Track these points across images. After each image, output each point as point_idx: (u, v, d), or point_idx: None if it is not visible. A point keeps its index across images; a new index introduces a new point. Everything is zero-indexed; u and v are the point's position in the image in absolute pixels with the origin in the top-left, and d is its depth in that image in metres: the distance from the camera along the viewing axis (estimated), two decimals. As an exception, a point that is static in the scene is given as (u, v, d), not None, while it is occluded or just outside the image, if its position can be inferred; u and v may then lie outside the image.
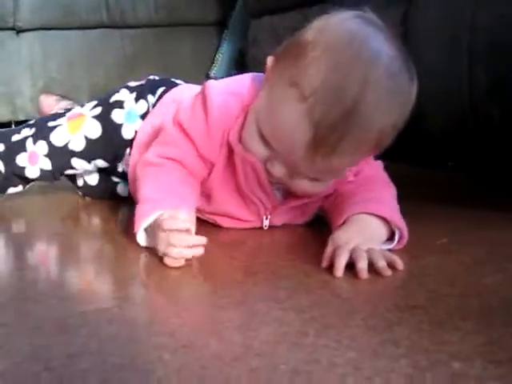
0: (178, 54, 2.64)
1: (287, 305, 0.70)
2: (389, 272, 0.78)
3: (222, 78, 1.06)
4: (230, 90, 0.97)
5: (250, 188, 0.97)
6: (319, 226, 0.99)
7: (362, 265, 0.78)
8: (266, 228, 1.02)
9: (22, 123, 2.51)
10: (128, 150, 1.15)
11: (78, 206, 1.26)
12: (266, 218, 1.01)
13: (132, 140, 1.14)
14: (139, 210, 0.89)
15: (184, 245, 0.81)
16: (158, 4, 2.62)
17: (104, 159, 1.18)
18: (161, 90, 1.18)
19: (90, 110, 1.20)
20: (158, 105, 1.15)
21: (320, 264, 0.82)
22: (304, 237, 0.97)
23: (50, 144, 1.17)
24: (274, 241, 0.94)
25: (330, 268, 0.79)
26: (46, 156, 1.17)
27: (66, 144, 1.17)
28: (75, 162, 1.17)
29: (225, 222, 1.04)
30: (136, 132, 1.14)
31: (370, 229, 0.88)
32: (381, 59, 0.81)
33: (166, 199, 0.89)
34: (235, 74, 1.05)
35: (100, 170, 1.24)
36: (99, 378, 0.54)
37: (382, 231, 0.89)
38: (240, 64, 2.46)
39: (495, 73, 1.20)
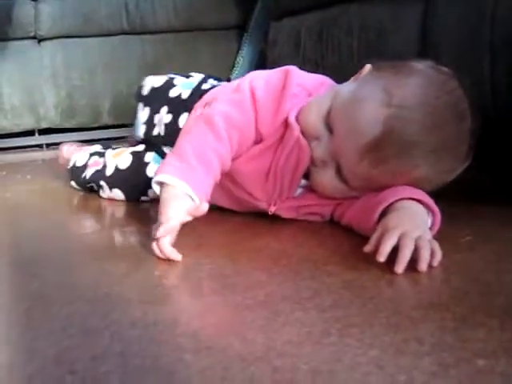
0: (199, 58, 2.64)
1: (310, 305, 0.69)
2: (425, 268, 0.76)
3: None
4: (306, 87, 1.02)
5: (282, 171, 0.99)
6: (343, 229, 0.99)
7: (406, 253, 0.77)
8: (270, 213, 1.03)
9: (45, 132, 2.55)
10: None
11: (100, 208, 1.26)
12: (274, 205, 1.03)
13: None
14: (168, 160, 0.93)
15: (160, 248, 0.86)
16: (178, 9, 2.63)
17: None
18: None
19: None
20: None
21: (343, 264, 0.81)
22: (326, 239, 0.96)
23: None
24: (297, 244, 0.94)
25: (354, 269, 0.79)
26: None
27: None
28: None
29: (237, 192, 1.05)
30: None
31: (418, 215, 0.87)
32: (465, 121, 0.88)
33: (193, 175, 0.90)
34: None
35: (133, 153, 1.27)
36: (122, 380, 0.54)
37: (427, 218, 0.88)
38: (260, 66, 2.46)
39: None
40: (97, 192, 1.31)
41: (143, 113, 1.26)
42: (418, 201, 0.88)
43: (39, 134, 2.61)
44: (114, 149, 1.34)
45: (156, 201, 0.92)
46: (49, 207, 1.31)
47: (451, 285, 0.74)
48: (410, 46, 1.45)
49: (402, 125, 0.85)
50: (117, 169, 1.25)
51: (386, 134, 0.85)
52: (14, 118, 2.54)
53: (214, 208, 1.00)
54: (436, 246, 0.80)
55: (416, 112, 0.86)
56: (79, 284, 0.82)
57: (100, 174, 1.28)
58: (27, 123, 2.57)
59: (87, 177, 1.31)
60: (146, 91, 1.29)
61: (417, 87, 0.88)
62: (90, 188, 1.33)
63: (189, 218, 0.88)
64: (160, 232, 0.85)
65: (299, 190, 1.02)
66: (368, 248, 0.81)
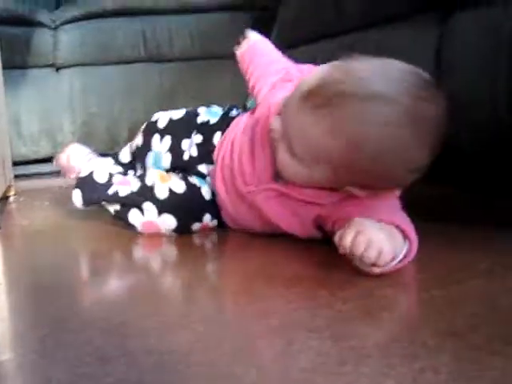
0: (216, 85, 2.66)
1: (325, 333, 0.69)
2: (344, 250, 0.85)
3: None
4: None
5: (261, 142, 1.08)
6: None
7: (342, 240, 0.85)
8: (248, 193, 1.09)
9: (63, 158, 2.56)
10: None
11: (120, 235, 1.26)
12: (255, 186, 1.08)
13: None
14: None
15: None
16: (194, 37, 2.66)
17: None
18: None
19: None
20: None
21: (359, 290, 0.81)
22: (343, 268, 0.96)
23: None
24: (313, 271, 0.94)
25: (370, 296, 0.79)
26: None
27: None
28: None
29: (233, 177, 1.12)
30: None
31: (388, 228, 0.89)
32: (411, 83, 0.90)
33: None
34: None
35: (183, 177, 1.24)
36: (138, 409, 0.54)
37: (400, 241, 0.89)
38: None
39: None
40: (104, 211, 1.28)
41: (163, 143, 1.26)
42: (396, 226, 0.90)
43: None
44: (135, 170, 1.35)
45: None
46: (66, 235, 1.31)
47: (468, 312, 0.74)
48: (427, 68, 1.45)
49: (339, 75, 0.90)
50: (172, 192, 1.18)
51: (321, 82, 0.91)
52: (32, 144, 2.56)
53: (223, 231, 1.00)
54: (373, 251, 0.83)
55: (358, 70, 0.90)
56: (95, 312, 0.82)
57: (145, 195, 1.19)
58: (45, 150, 2.59)
59: (119, 195, 1.22)
60: (162, 124, 1.30)
61: (368, 64, 0.92)
62: (97, 206, 1.29)
63: None
64: None
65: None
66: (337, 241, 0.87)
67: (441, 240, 1.02)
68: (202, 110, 1.29)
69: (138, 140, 1.35)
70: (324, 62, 0.94)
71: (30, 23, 2.55)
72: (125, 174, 1.32)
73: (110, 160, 1.36)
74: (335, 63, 0.94)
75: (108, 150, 2.62)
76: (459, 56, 1.35)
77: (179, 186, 1.18)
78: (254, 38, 1.39)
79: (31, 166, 2.55)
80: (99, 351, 0.68)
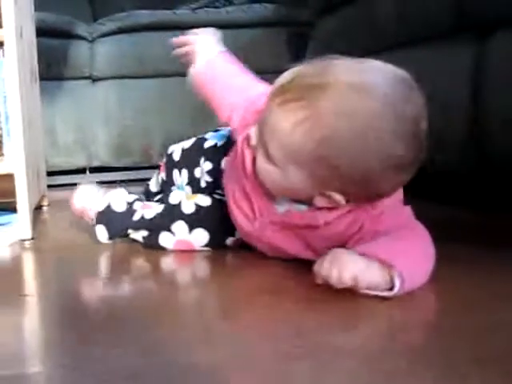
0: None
1: (358, 355, 0.68)
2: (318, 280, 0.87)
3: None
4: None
5: (246, 176, 1.04)
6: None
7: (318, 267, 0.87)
8: (255, 227, 1.06)
9: (96, 170, 2.59)
10: None
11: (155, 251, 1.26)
12: (259, 222, 1.05)
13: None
14: None
15: None
16: (230, 52, 2.66)
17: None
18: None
19: None
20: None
21: (392, 312, 0.80)
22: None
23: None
24: (345, 294, 0.92)
25: (404, 316, 0.78)
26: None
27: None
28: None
29: (237, 217, 1.10)
30: None
31: (369, 262, 0.86)
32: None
33: None
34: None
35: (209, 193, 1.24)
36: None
37: (382, 271, 0.86)
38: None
39: None
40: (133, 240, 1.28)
41: (182, 177, 1.28)
42: (380, 260, 0.87)
43: (90, 172, 2.65)
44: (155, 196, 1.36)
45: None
46: (97, 248, 1.31)
47: (499, 338, 0.72)
48: (461, 89, 1.44)
49: (312, 70, 0.90)
50: (198, 205, 1.18)
51: (293, 77, 0.90)
52: (67, 155, 2.59)
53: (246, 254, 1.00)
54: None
55: (333, 64, 0.89)
56: (125, 326, 0.82)
57: (173, 213, 1.19)
58: (79, 161, 2.61)
59: (146, 218, 1.22)
60: (177, 156, 1.32)
61: (344, 61, 0.91)
62: (123, 236, 1.29)
63: None
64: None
65: (280, 207, 1.03)
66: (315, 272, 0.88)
67: (467, 265, 1.01)
68: (209, 134, 1.30)
69: (162, 174, 1.37)
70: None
71: (68, 35, 2.58)
72: (142, 200, 1.32)
73: (123, 190, 1.34)
74: (311, 61, 0.92)
75: (141, 163, 2.64)
76: (498, 76, 1.33)
77: (205, 200, 1.19)
78: (209, 52, 1.28)
79: (65, 176, 2.57)
80: (129, 366, 0.68)
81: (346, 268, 0.84)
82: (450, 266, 0.90)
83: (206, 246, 1.19)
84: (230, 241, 1.20)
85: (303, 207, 0.99)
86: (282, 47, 2.66)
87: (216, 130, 1.33)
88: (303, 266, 0.99)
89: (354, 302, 0.85)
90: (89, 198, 1.33)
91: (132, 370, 0.67)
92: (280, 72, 0.94)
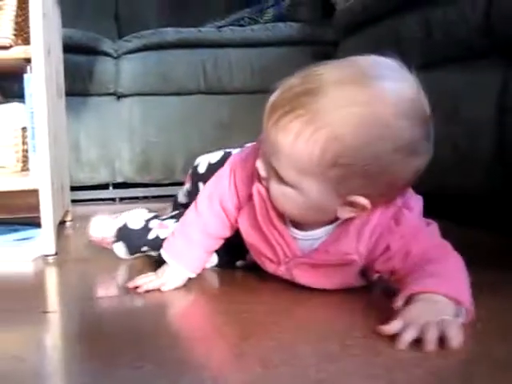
0: (273, 119, 2.65)
1: (382, 382, 0.67)
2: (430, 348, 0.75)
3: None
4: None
5: (265, 223, 1.02)
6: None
7: (430, 335, 0.76)
8: (281, 272, 1.06)
9: (119, 185, 2.60)
10: None
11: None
12: (285, 264, 1.04)
13: None
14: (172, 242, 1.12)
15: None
16: (254, 70, 2.67)
17: None
18: None
19: None
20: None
21: (418, 341, 0.78)
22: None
23: None
24: (370, 315, 0.91)
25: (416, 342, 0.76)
26: None
27: None
28: None
29: (260, 261, 1.10)
30: None
31: (439, 306, 0.82)
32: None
33: (182, 256, 1.10)
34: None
35: None
36: None
37: (451, 306, 0.83)
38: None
39: None
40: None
41: None
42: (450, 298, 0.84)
43: (113, 188, 2.66)
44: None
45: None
46: (120, 263, 1.32)
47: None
48: (487, 111, 1.44)
49: (294, 80, 0.89)
50: None
51: (279, 93, 0.89)
52: (90, 171, 2.59)
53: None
54: (452, 331, 0.77)
55: (315, 69, 0.89)
56: (149, 346, 0.82)
57: None
58: (102, 177, 2.62)
59: (160, 238, 1.23)
60: (203, 169, 1.32)
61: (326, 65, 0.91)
62: (141, 252, 1.31)
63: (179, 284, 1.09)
64: (148, 286, 1.07)
65: (307, 244, 1.01)
66: (387, 332, 0.80)
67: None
68: (235, 151, 1.28)
69: (188, 185, 1.38)
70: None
71: (94, 52, 2.59)
72: (158, 217, 1.33)
73: (142, 210, 1.36)
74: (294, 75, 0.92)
75: (164, 180, 2.65)
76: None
77: None
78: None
79: (88, 191, 2.58)
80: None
81: (432, 331, 0.78)
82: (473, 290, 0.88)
83: (216, 266, 1.22)
84: (240, 263, 1.22)
85: (321, 232, 0.99)
86: (307, 66, 2.66)
87: (243, 147, 1.32)
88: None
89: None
90: (104, 227, 1.35)
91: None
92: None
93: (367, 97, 0.83)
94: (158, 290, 1.07)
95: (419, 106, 0.86)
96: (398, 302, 0.85)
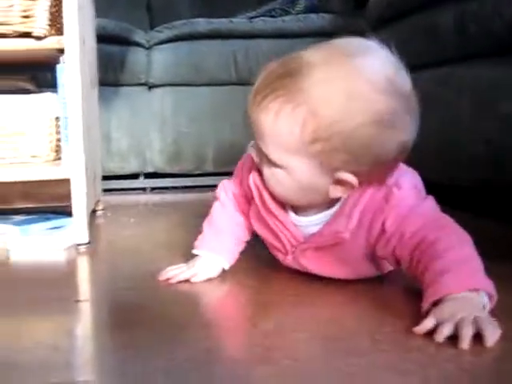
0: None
1: (414, 378, 0.67)
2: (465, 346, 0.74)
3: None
4: None
5: (266, 213, 1.04)
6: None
7: (466, 331, 0.75)
8: (289, 261, 1.08)
9: (150, 175, 2.61)
10: None
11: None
12: (291, 253, 1.06)
13: None
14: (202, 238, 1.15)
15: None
16: (286, 61, 2.66)
17: None
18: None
19: None
20: None
21: (451, 337, 0.77)
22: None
23: None
24: (398, 311, 0.91)
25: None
26: None
27: None
28: None
29: (274, 253, 1.13)
30: None
31: (472, 303, 0.82)
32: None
33: (213, 246, 1.13)
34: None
35: None
36: None
37: (482, 300, 0.83)
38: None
39: None
40: None
41: None
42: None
43: (144, 178, 2.67)
44: None
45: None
46: (150, 253, 1.32)
47: None
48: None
49: (274, 65, 0.93)
50: None
51: (260, 79, 0.94)
52: (121, 160, 2.60)
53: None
54: (488, 329, 0.76)
55: (292, 54, 0.93)
56: (180, 338, 0.82)
57: None
58: (133, 167, 2.63)
59: None
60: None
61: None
62: None
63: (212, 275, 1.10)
64: (179, 277, 1.08)
65: (310, 231, 1.02)
66: (419, 332, 0.79)
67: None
68: None
69: None
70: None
71: (126, 42, 2.60)
72: None
73: None
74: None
75: (194, 170, 2.65)
76: None
77: None
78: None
79: (119, 181, 2.59)
80: (182, 378, 0.67)
81: (467, 327, 0.76)
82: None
83: None
84: None
85: (322, 217, 1.00)
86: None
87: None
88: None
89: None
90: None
91: (185, 382, 0.66)
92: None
93: (343, 73, 0.86)
94: (188, 280, 1.07)
95: (396, 81, 0.87)
96: (425, 306, 0.84)
